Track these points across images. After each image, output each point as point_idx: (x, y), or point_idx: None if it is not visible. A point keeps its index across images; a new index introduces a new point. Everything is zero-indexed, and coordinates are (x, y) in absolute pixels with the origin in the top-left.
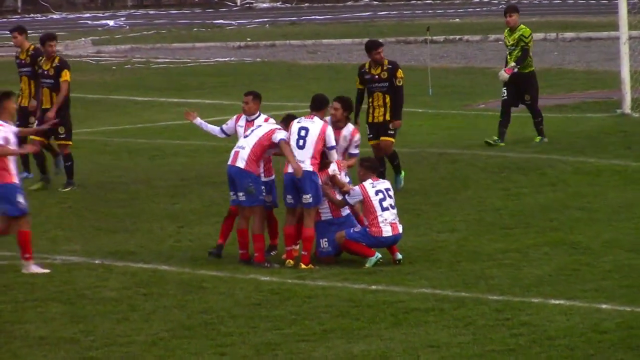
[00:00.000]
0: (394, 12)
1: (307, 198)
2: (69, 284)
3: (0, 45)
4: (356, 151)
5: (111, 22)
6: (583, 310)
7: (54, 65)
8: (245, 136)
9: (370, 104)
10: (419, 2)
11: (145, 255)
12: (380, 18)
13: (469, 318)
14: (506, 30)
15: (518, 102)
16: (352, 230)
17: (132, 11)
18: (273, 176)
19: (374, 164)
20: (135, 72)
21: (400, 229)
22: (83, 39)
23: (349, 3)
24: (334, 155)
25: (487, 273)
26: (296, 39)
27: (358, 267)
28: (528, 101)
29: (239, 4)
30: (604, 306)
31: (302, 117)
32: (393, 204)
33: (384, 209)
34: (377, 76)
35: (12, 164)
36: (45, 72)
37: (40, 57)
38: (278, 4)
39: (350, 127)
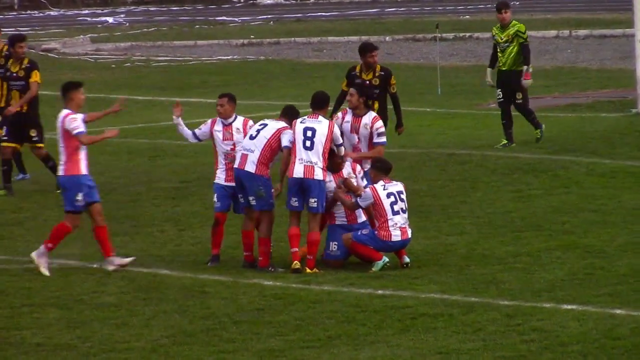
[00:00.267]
0: (402, 9)
1: (313, 202)
2: (66, 288)
3: None
4: (381, 140)
5: (110, 19)
6: (596, 315)
7: (23, 67)
8: (252, 137)
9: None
10: None
11: (145, 259)
12: (388, 15)
13: (479, 324)
14: (495, 27)
15: (512, 102)
16: (359, 233)
17: (132, 8)
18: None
19: (386, 165)
20: (135, 71)
21: (409, 233)
22: (81, 36)
23: None
24: (342, 151)
25: (498, 277)
26: (301, 37)
27: (364, 271)
28: (519, 100)
29: (242, 0)
30: (618, 311)
31: (306, 117)
32: (405, 208)
33: (394, 213)
34: (367, 82)
35: (83, 157)
36: (14, 75)
37: (10, 60)
38: (282, 0)
39: (371, 114)
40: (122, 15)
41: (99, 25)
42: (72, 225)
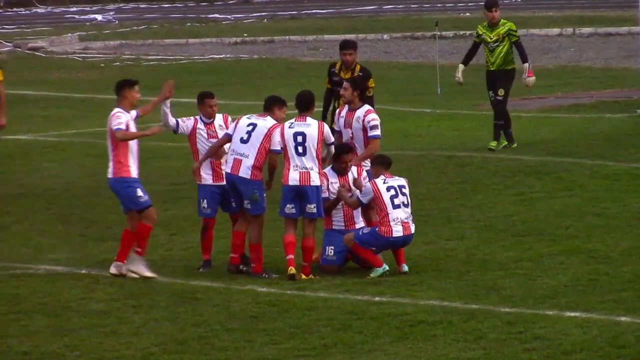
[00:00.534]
0: (401, 6)
1: (312, 208)
2: (54, 295)
3: None
4: (374, 133)
5: (99, 17)
6: (601, 322)
7: None
8: (243, 140)
9: (336, 107)
10: None
11: None
12: (386, 12)
13: (480, 331)
14: (482, 26)
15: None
16: (360, 232)
17: (122, 5)
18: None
19: (385, 159)
20: (124, 70)
21: (412, 229)
22: (69, 34)
23: None
24: (333, 150)
25: (499, 283)
26: (296, 35)
27: (361, 277)
28: (500, 96)
29: None
30: (623, 318)
31: (294, 121)
32: (407, 202)
33: (395, 207)
34: (345, 80)
35: (131, 157)
36: None
37: None
38: None
39: (364, 107)
40: (111, 13)
41: (88, 23)
42: (151, 222)
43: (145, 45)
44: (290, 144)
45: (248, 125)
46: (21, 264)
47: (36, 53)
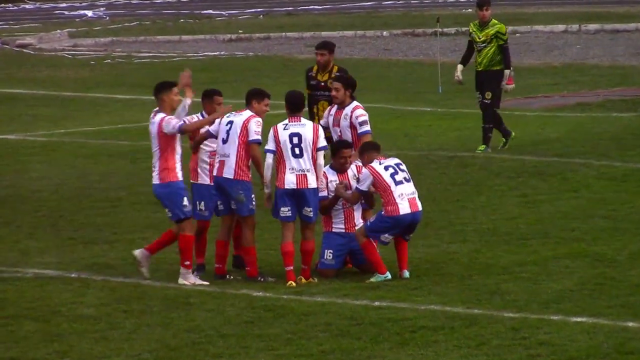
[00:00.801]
0: (401, 2)
1: (309, 211)
2: (43, 299)
3: None
4: (364, 129)
5: (89, 13)
6: (607, 328)
7: None
8: (224, 141)
9: (315, 114)
10: None
11: (126, 268)
12: (385, 8)
13: (482, 337)
14: (474, 24)
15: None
16: (368, 223)
17: (113, 0)
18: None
19: (373, 144)
20: (115, 68)
21: (419, 206)
22: (59, 31)
23: None
24: (322, 158)
25: (502, 288)
26: (293, 31)
27: (359, 281)
28: (488, 100)
29: None
30: (630, 324)
31: (287, 122)
32: (408, 178)
33: (397, 183)
34: (323, 83)
35: (178, 162)
36: None
37: None
38: None
39: (352, 104)
40: (102, 9)
41: (77, 19)
42: (193, 232)
43: (137, 42)
44: (287, 146)
45: (227, 124)
46: (8, 267)
47: (24, 50)
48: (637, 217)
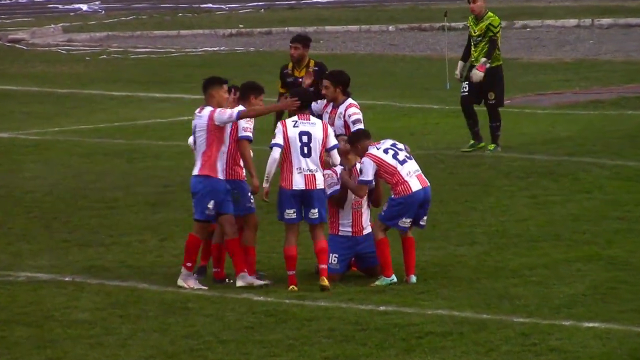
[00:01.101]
0: None
1: (314, 213)
2: (36, 304)
3: None
4: (357, 128)
5: (84, 6)
6: (621, 334)
7: None
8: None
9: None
10: None
11: (122, 271)
12: (392, 1)
13: (492, 343)
14: (470, 18)
15: (481, 100)
16: (383, 213)
17: None
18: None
19: (362, 131)
20: (111, 63)
21: (427, 181)
22: (52, 25)
23: None
24: (337, 157)
25: (512, 292)
26: (295, 26)
27: (364, 285)
28: (491, 100)
29: None
30: None
31: (296, 119)
32: (409, 155)
33: (402, 162)
34: (300, 80)
35: (220, 162)
36: None
37: None
38: None
39: (346, 102)
40: (97, 2)
41: (72, 14)
42: (204, 237)
43: (133, 37)
44: (296, 144)
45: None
46: (0, 270)
47: (17, 45)
48: None
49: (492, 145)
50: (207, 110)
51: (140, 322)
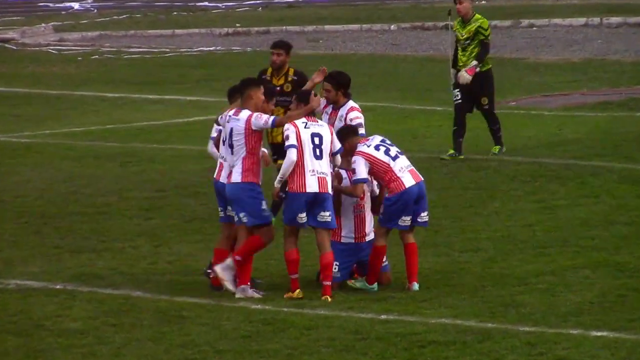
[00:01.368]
0: None
1: (327, 216)
2: (25, 312)
3: None
4: (360, 131)
5: (76, 5)
6: (630, 343)
7: None
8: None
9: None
10: None
11: (115, 279)
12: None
13: (497, 353)
14: (457, 21)
15: (473, 107)
16: (380, 216)
17: None
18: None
19: (349, 128)
20: (104, 64)
21: (420, 176)
22: (43, 24)
23: None
24: (339, 160)
25: (518, 300)
26: (294, 25)
27: (364, 293)
28: (485, 105)
29: None
30: None
31: (306, 120)
32: (400, 151)
33: (394, 158)
34: (278, 87)
35: (258, 164)
36: None
37: None
38: None
39: (347, 105)
40: (89, 1)
41: (63, 12)
42: (267, 239)
43: (127, 37)
44: (308, 146)
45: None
46: None
47: (6, 45)
48: None
49: (497, 147)
50: (245, 113)
51: (134, 331)
